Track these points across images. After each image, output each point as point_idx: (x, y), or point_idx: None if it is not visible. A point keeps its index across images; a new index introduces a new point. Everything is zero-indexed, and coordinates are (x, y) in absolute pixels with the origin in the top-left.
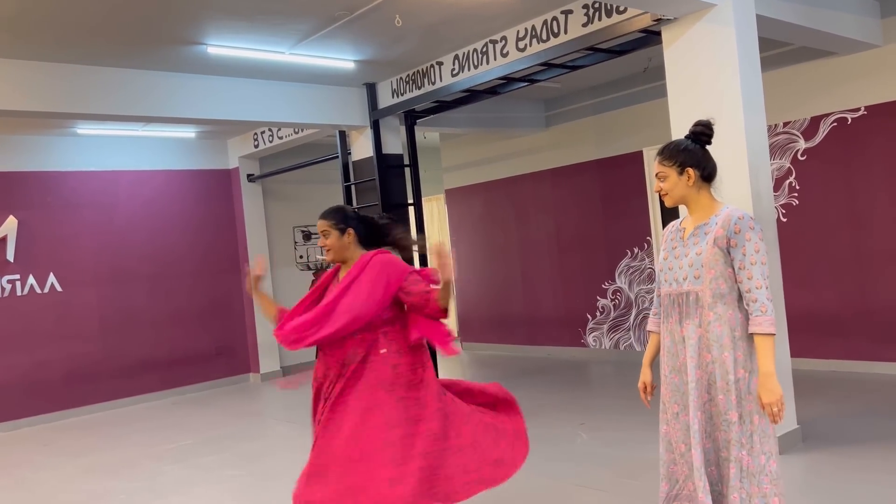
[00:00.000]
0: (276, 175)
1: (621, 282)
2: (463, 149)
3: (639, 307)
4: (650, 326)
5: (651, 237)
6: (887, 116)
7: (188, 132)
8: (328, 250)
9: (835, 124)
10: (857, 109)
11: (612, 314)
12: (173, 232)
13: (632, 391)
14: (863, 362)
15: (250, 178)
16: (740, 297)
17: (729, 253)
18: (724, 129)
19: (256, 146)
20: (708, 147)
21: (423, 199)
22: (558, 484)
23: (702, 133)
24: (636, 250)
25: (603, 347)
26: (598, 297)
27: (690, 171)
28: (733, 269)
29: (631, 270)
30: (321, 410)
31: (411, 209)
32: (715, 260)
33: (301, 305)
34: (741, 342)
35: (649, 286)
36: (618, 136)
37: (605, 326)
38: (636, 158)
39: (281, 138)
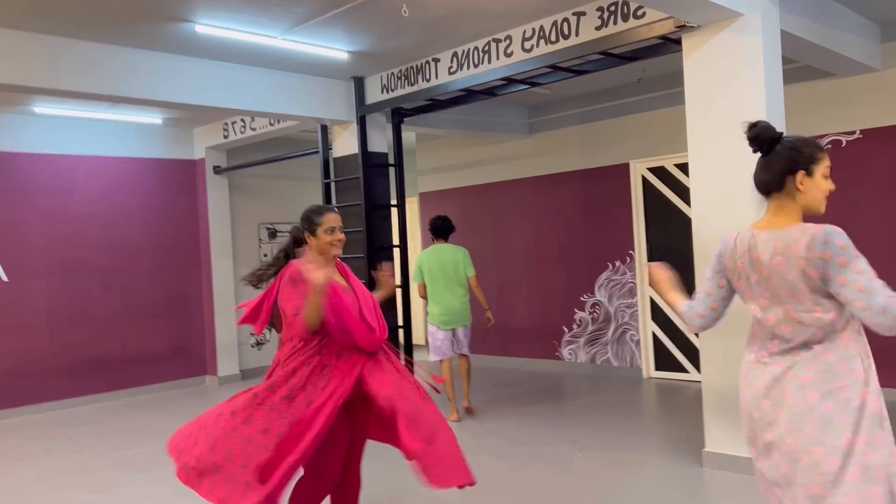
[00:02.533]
0: (245, 169)
1: (601, 295)
2: (440, 152)
3: (618, 321)
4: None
5: (634, 251)
6: (883, 141)
7: (155, 118)
8: (341, 243)
9: (829, 146)
10: (853, 132)
11: (590, 327)
12: (132, 223)
13: (616, 406)
14: None
15: (217, 170)
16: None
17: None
18: (745, 145)
19: (226, 137)
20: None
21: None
22: None
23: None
24: (618, 264)
25: (578, 361)
26: (575, 310)
27: None
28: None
29: (611, 284)
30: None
31: (394, 210)
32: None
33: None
34: None
35: (630, 300)
36: (604, 147)
37: (582, 340)
38: (622, 171)
39: (254, 130)
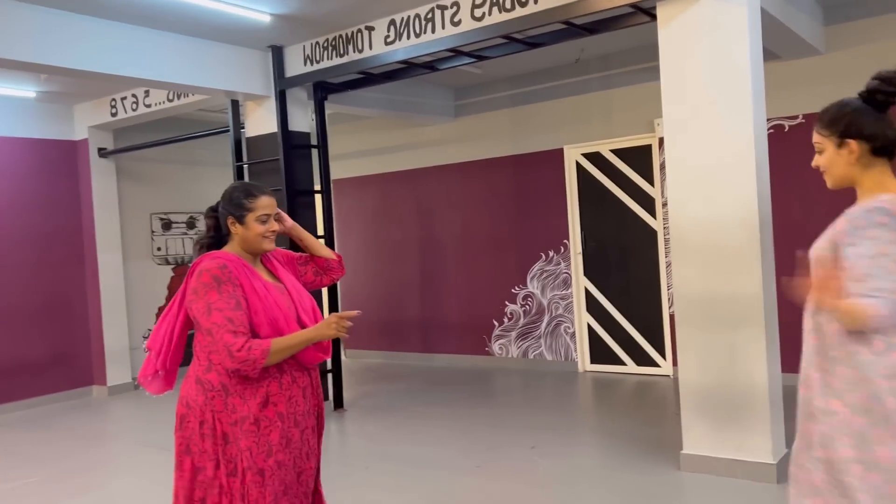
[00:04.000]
0: (134, 152)
1: (533, 286)
2: (356, 135)
3: (552, 313)
4: None
5: (569, 240)
6: None
7: (27, 90)
8: (274, 236)
9: (771, 130)
10: (795, 117)
11: (522, 320)
12: (1, 213)
13: (562, 404)
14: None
15: (102, 152)
16: None
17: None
18: (730, 121)
19: (115, 114)
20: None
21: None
22: None
23: (877, 90)
24: (551, 254)
25: (510, 356)
26: (506, 303)
27: (853, 143)
28: None
29: (545, 275)
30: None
31: (318, 197)
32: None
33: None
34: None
35: (564, 291)
36: (537, 131)
37: (514, 333)
38: (556, 157)
39: (148, 107)
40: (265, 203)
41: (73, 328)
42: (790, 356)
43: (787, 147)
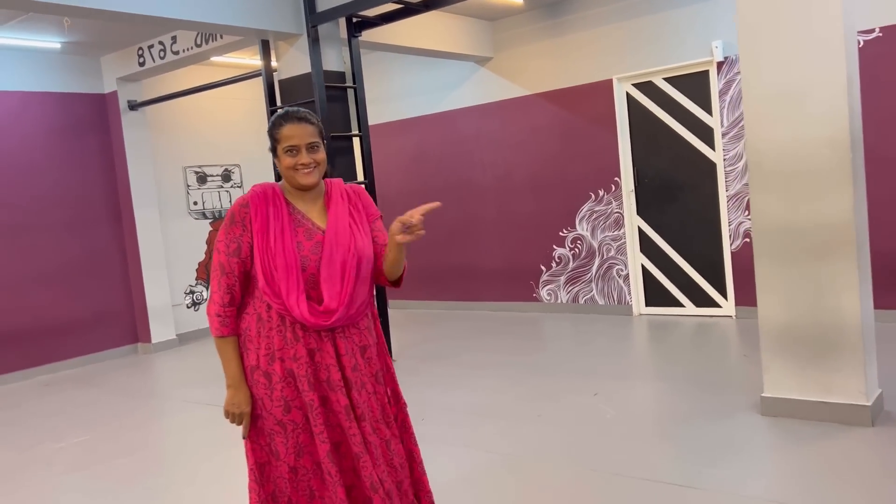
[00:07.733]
0: (167, 102)
1: (582, 228)
2: (386, 78)
3: (603, 256)
4: None
5: (620, 178)
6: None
7: (52, 41)
8: (315, 168)
9: None
10: (872, 31)
11: (571, 264)
12: (34, 172)
13: (619, 349)
14: None
15: (132, 105)
16: None
17: None
18: (818, 29)
19: (142, 64)
20: None
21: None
22: (628, 481)
23: None
24: (601, 193)
25: (559, 301)
26: (554, 246)
27: None
28: None
29: (595, 215)
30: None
31: (356, 141)
32: None
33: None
34: None
35: (615, 232)
36: (582, 62)
37: (563, 278)
38: (604, 88)
39: (176, 53)
40: (288, 133)
41: (114, 286)
42: (883, 290)
43: (860, 64)
